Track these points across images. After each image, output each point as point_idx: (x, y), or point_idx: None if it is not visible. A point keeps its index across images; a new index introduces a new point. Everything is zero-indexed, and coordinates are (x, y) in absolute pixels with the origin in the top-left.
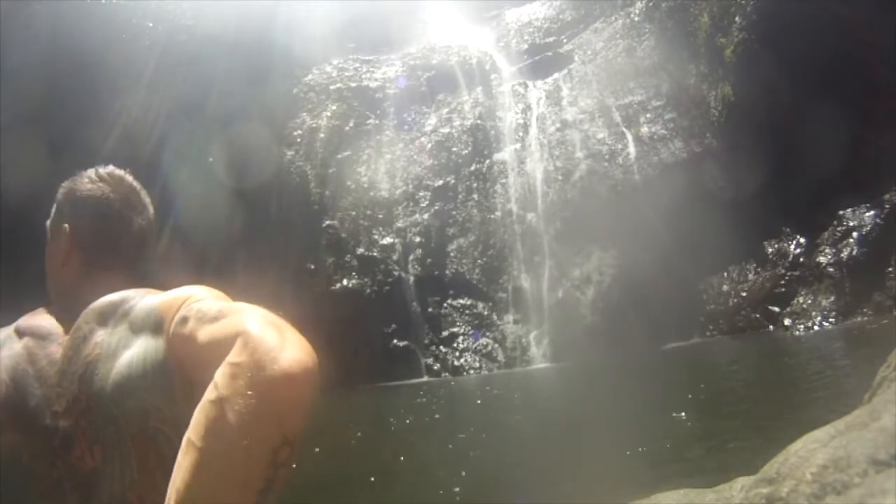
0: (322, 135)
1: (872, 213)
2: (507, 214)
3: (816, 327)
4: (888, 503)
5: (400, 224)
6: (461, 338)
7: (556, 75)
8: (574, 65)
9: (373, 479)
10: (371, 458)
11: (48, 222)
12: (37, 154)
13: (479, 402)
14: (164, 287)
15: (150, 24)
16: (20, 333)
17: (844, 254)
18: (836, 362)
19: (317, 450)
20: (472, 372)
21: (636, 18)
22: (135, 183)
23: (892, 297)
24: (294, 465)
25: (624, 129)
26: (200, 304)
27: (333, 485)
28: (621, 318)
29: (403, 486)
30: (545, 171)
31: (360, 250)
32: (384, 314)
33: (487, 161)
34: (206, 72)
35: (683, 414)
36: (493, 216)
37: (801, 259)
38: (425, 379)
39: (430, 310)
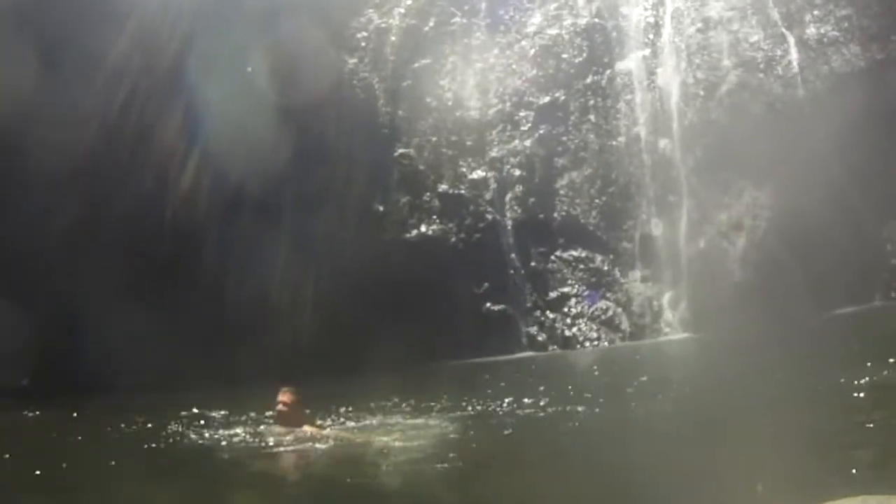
0: (393, 38)
1: None
2: (634, 141)
3: None
4: None
5: (494, 153)
6: (574, 300)
7: None
8: None
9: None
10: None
11: None
12: (25, 64)
13: (595, 381)
14: None
15: None
16: None
17: None
18: None
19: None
20: (587, 344)
21: None
22: None
23: None
24: None
25: (784, 31)
26: None
27: None
28: (780, 275)
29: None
30: (683, 85)
31: (443, 187)
32: (474, 270)
33: (608, 72)
34: None
35: (861, 402)
36: (614, 143)
37: None
38: (527, 354)
39: (533, 264)
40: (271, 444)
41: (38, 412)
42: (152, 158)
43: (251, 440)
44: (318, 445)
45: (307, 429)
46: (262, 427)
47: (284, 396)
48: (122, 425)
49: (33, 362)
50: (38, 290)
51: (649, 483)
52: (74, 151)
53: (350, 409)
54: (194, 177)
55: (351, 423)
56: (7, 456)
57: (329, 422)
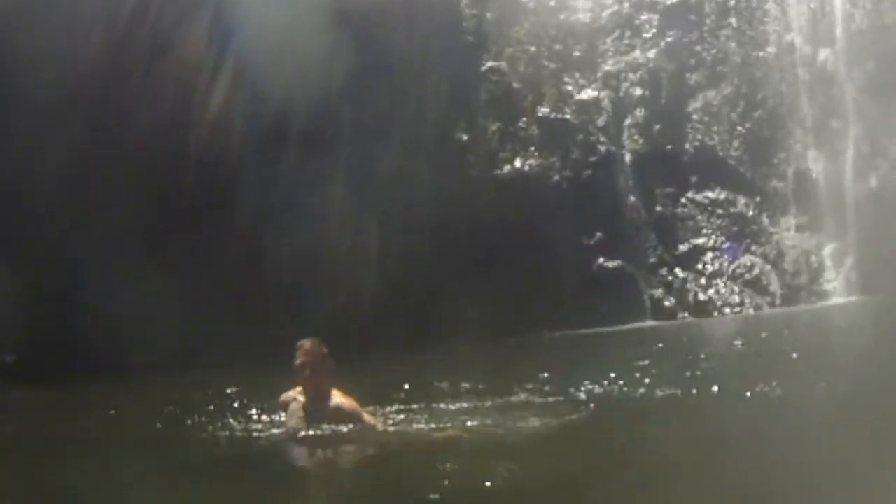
0: None
1: None
2: (786, 51)
3: None
4: None
5: (609, 67)
6: (710, 255)
7: None
8: None
9: None
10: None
11: None
12: None
13: (740, 358)
14: None
15: None
16: None
17: None
18: None
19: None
20: (727, 311)
21: None
22: None
23: None
24: None
25: None
26: None
27: None
28: None
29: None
30: None
31: (544, 110)
32: (582, 216)
33: None
34: None
35: None
36: (762, 54)
37: None
38: (650, 323)
39: (658, 209)
40: (309, 434)
41: (27, 393)
42: (172, 76)
43: (282, 429)
44: (366, 432)
45: (366, 416)
46: (294, 417)
47: (306, 354)
48: (129, 411)
49: (22, 335)
50: (27, 245)
51: (810, 485)
52: (73, 69)
53: (418, 391)
54: (226, 100)
55: (416, 406)
56: None
57: (387, 409)
